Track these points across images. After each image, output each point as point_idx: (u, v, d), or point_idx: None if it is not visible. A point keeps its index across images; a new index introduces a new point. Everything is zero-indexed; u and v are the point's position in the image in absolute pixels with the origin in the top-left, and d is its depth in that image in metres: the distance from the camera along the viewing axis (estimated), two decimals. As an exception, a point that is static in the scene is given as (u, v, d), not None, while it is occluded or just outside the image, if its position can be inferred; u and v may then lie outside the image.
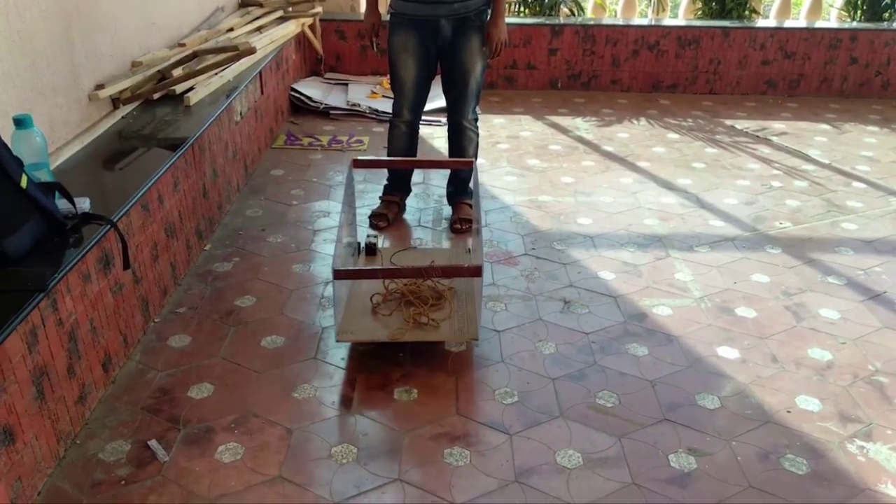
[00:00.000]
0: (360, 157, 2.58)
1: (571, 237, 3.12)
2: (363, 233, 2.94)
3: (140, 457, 1.90)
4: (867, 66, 5.10)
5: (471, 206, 3.23)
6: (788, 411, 2.13)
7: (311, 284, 2.73)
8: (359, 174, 3.71)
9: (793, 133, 4.46)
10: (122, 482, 1.81)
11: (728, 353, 2.39)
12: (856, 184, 3.75)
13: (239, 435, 1.98)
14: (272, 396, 2.14)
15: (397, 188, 3.28)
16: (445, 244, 3.08)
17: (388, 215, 3.20)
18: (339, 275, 2.20)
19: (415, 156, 3.24)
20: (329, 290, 2.68)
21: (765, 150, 4.16)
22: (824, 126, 4.60)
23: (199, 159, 2.88)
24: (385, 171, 3.29)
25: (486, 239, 3.10)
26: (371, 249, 2.73)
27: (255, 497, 1.79)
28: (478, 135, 3.17)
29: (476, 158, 3.20)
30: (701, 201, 3.49)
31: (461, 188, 3.26)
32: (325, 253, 2.95)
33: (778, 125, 4.59)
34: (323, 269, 2.84)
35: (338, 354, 2.33)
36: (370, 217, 3.20)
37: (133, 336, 2.29)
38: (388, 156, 3.22)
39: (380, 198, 3.30)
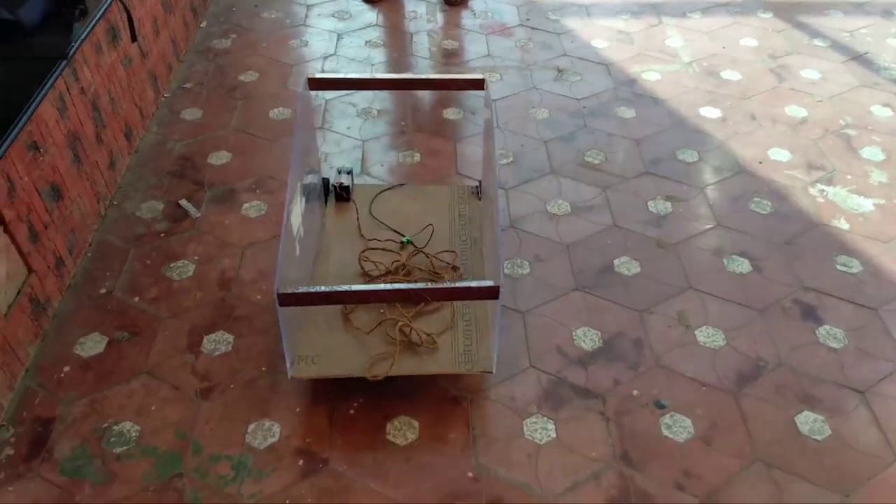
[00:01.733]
0: (315, 76, 1.78)
1: (566, 6, 3.12)
2: (331, 166, 2.24)
3: (174, 214, 2.11)
4: None
5: (464, -24, 3.17)
6: (760, 162, 2.33)
7: (310, 59, 2.79)
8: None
9: None
10: (162, 235, 2.04)
11: (710, 112, 2.53)
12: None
13: (260, 194, 2.18)
14: (286, 162, 2.30)
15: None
16: (440, 18, 3.09)
17: (381, -12, 3.15)
18: (285, 301, 1.44)
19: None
20: (329, 65, 2.75)
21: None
22: None
23: (185, -71, 2.79)
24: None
25: (480, 10, 3.11)
26: (342, 195, 2.01)
27: (282, 244, 2.03)
28: None
29: None
30: (698, -34, 3.43)
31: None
32: (321, 28, 2.97)
33: None
34: (319, 44, 2.88)
35: (342, 124, 2.47)
36: (362, -9, 3.16)
37: (147, 109, 2.41)
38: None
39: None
